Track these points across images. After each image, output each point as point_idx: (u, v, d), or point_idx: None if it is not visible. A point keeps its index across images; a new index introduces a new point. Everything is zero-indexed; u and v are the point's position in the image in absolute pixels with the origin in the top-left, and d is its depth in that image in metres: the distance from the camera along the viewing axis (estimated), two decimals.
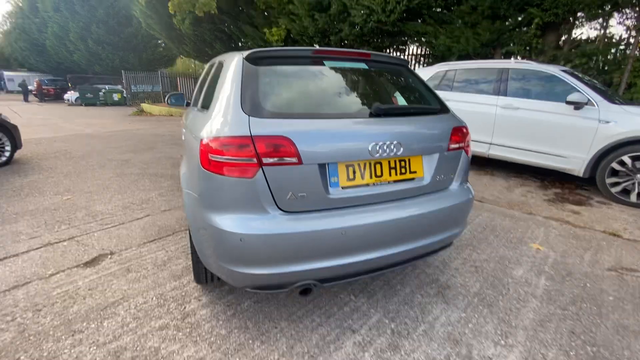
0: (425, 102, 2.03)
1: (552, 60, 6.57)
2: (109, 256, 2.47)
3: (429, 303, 2.00)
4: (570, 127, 4.05)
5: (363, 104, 1.84)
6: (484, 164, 5.44)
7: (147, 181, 4.37)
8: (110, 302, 1.94)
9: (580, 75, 4.47)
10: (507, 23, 7.01)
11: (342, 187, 1.54)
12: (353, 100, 1.87)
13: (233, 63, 1.70)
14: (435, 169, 1.76)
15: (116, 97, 19.56)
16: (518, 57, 7.33)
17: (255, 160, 1.39)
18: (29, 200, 3.57)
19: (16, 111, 14.78)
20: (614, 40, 6.85)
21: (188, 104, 3.21)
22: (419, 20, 8.01)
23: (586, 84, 4.12)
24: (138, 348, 1.60)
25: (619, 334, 1.77)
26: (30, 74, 29.80)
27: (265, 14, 10.60)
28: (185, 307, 1.90)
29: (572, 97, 3.94)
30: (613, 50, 6.68)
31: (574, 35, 7.36)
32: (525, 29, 6.92)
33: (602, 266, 2.46)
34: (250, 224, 1.42)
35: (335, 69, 1.87)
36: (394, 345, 1.66)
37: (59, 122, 10.99)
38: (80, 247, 2.59)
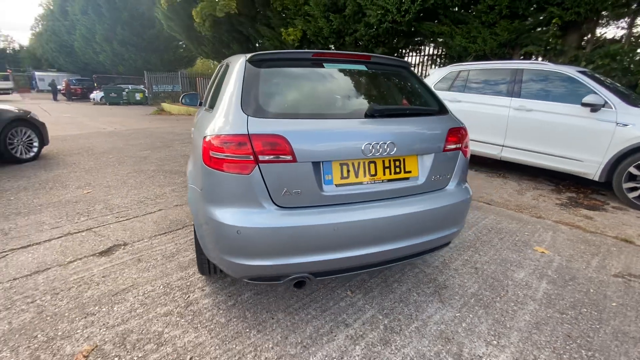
0: (424, 103, 2.06)
1: (574, 61, 6.36)
2: (123, 247, 2.62)
3: (424, 302, 2.02)
4: (585, 129, 3.93)
5: (360, 105, 1.89)
6: (497, 166, 5.35)
7: (162, 177, 4.57)
8: (121, 289, 2.07)
9: (599, 76, 4.33)
10: (526, 22, 6.83)
11: (336, 185, 1.60)
12: (351, 102, 1.92)
13: (237, 65, 1.79)
14: (431, 169, 1.79)
15: (138, 96, 20.30)
16: (539, 58, 7.13)
17: (252, 157, 1.47)
18: (53, 193, 3.81)
19: (46, 109, 15.62)
20: None
21: (201, 104, 3.32)
22: (435, 21, 7.93)
23: (604, 85, 4.00)
24: (143, 331, 1.72)
25: (617, 340, 1.74)
26: (59, 74, 31.39)
27: (283, 14, 10.74)
28: (189, 296, 2.01)
29: (588, 99, 3.83)
30: (639, 51, 6.40)
31: (597, 35, 7.08)
32: (545, 28, 6.73)
33: (608, 272, 2.40)
34: (247, 218, 1.50)
35: (335, 71, 1.93)
36: (385, 340, 1.70)
37: (84, 120, 11.54)
38: (97, 237, 2.76)
